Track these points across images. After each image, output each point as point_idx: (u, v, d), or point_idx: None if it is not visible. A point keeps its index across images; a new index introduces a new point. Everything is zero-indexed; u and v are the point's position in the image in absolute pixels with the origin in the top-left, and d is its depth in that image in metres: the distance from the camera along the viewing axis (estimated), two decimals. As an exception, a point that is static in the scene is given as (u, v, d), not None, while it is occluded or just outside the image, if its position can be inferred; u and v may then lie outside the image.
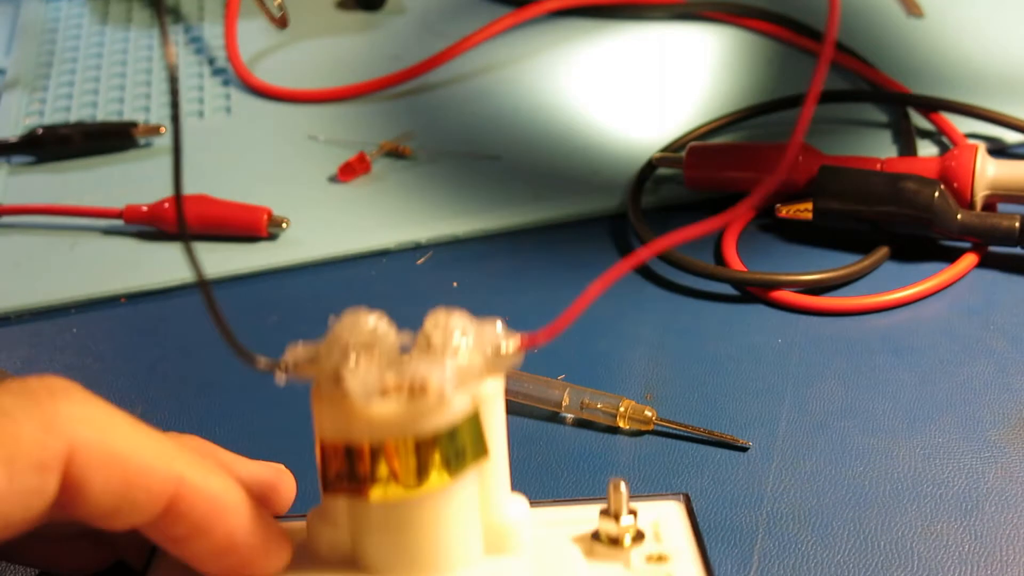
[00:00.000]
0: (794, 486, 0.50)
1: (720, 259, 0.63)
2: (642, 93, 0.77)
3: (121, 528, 0.38)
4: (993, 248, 0.62)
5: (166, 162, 0.74)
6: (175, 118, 0.37)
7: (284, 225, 0.66)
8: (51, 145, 0.76)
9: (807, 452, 0.51)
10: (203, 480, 0.38)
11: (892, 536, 0.47)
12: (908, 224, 0.62)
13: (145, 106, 0.81)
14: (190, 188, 0.68)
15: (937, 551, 0.47)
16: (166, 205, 0.67)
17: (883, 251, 0.62)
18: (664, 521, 0.43)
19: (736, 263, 0.62)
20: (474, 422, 0.39)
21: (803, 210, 0.63)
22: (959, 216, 0.61)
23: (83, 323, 0.63)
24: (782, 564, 0.46)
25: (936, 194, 0.61)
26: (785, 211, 0.64)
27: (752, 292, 0.61)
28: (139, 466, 0.37)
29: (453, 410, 0.38)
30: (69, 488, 0.36)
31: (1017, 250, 0.62)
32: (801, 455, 0.51)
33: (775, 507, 0.49)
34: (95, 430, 0.36)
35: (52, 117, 0.80)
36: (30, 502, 0.35)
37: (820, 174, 0.63)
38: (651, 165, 0.69)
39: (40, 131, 0.76)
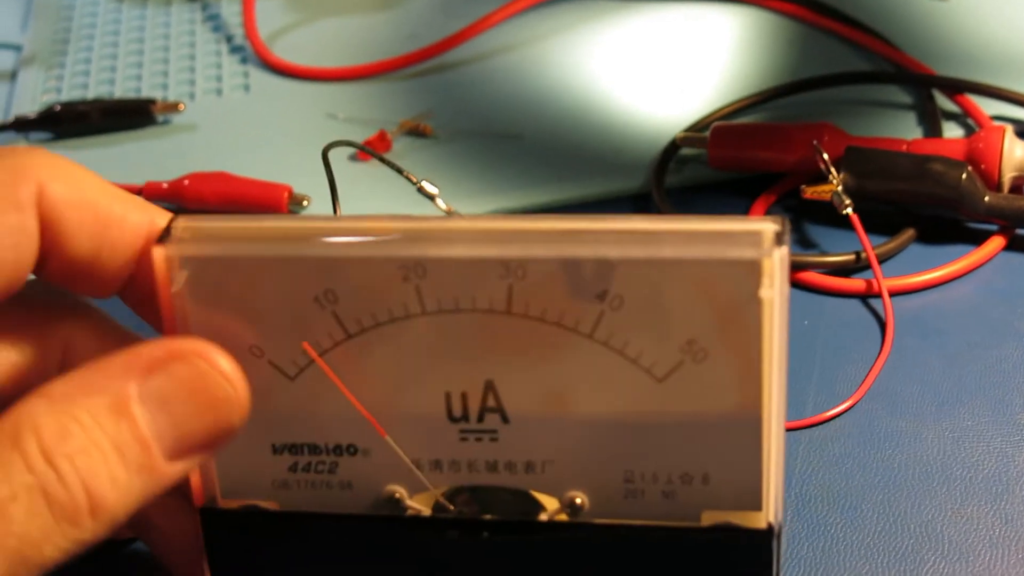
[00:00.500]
0: (822, 468, 0.49)
1: (745, 240, 0.63)
2: (665, 73, 0.77)
3: (105, 288, 0.40)
4: (1020, 230, 0.62)
5: (185, 139, 0.74)
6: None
7: (305, 203, 0.66)
8: (69, 122, 0.75)
9: (835, 434, 0.51)
10: None
11: (922, 519, 0.47)
12: (935, 206, 0.62)
13: (163, 83, 0.80)
14: (209, 166, 0.68)
15: (967, 534, 0.46)
16: (186, 182, 0.67)
17: (909, 233, 0.62)
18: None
19: (761, 244, 0.62)
20: None
21: (828, 191, 0.63)
22: (986, 198, 0.61)
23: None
24: (811, 546, 0.46)
25: (963, 176, 0.61)
26: (810, 192, 0.63)
27: (777, 273, 0.60)
28: (109, 204, 0.39)
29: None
30: (48, 227, 0.38)
31: (1045, 233, 0.61)
32: (829, 437, 0.51)
33: (803, 489, 0.48)
34: (63, 173, 0.39)
35: (69, 94, 0.80)
36: (18, 241, 0.38)
37: (846, 155, 0.63)
38: (675, 145, 0.68)
39: (58, 108, 0.75)
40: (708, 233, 0.37)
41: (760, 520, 0.39)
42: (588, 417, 0.39)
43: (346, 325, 0.39)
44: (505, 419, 0.39)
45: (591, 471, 0.40)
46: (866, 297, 0.59)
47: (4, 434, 0.35)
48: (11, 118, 0.76)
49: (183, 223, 0.39)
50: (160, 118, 0.76)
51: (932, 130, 0.68)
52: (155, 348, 0.37)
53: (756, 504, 0.39)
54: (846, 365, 0.55)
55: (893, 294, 0.59)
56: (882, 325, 0.57)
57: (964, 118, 0.70)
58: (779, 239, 0.36)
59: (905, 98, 0.72)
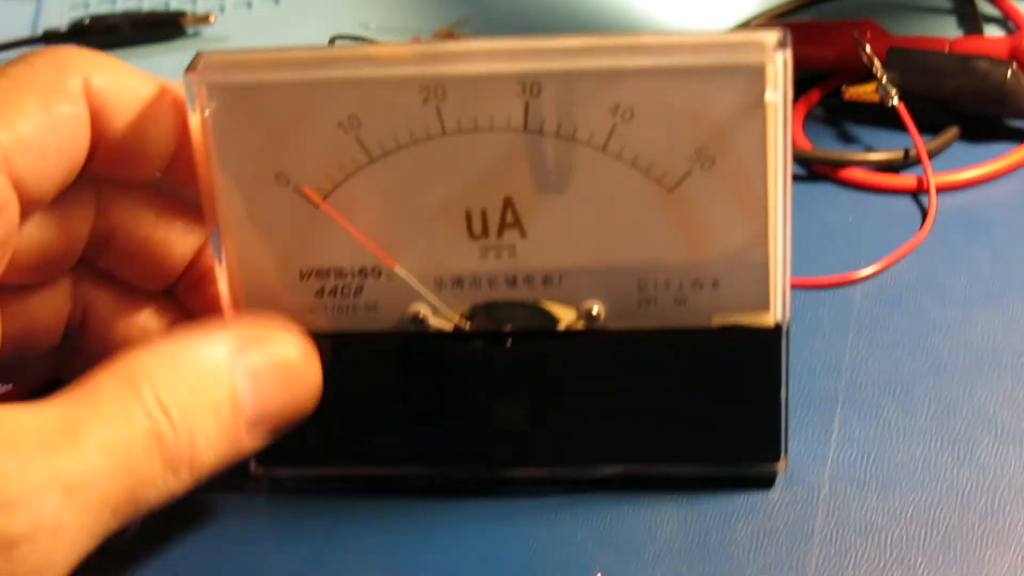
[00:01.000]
0: (872, 356, 0.49)
1: (787, 139, 0.62)
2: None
3: (150, 167, 0.42)
4: (1065, 128, 0.61)
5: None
6: None
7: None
8: (99, 34, 0.75)
9: (884, 324, 0.51)
10: None
11: (974, 403, 0.47)
12: (978, 104, 0.61)
13: (192, -4, 0.80)
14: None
15: (1020, 418, 0.46)
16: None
17: (953, 131, 0.61)
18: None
19: (803, 143, 0.61)
20: None
21: (871, 91, 0.62)
22: (1031, 96, 0.60)
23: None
24: (863, 430, 0.46)
25: (1008, 74, 0.60)
26: (852, 92, 0.62)
27: (819, 171, 0.60)
28: (149, 87, 0.41)
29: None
30: (97, 114, 0.40)
31: (1089, 129, 0.61)
32: (878, 327, 0.51)
33: (854, 376, 0.48)
34: (103, 64, 0.40)
35: (98, 7, 0.79)
36: (74, 129, 0.39)
37: (889, 55, 0.62)
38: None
39: (87, 21, 0.75)
40: (714, 43, 0.38)
41: (768, 320, 0.41)
42: (602, 229, 0.40)
43: (369, 149, 0.40)
44: (523, 234, 0.40)
45: (606, 281, 0.41)
46: (915, 194, 0.58)
47: (121, 380, 0.36)
48: (40, 31, 0.76)
49: (209, 55, 0.40)
50: (190, 30, 0.76)
51: (973, 31, 0.68)
52: (253, 325, 0.39)
53: (764, 305, 0.40)
54: (892, 258, 0.54)
55: (939, 191, 0.58)
56: (923, 215, 0.56)
57: (1004, 21, 0.69)
58: (781, 44, 0.38)
59: (944, 2, 0.71)
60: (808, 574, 0.40)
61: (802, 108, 0.64)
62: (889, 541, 0.41)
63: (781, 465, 0.43)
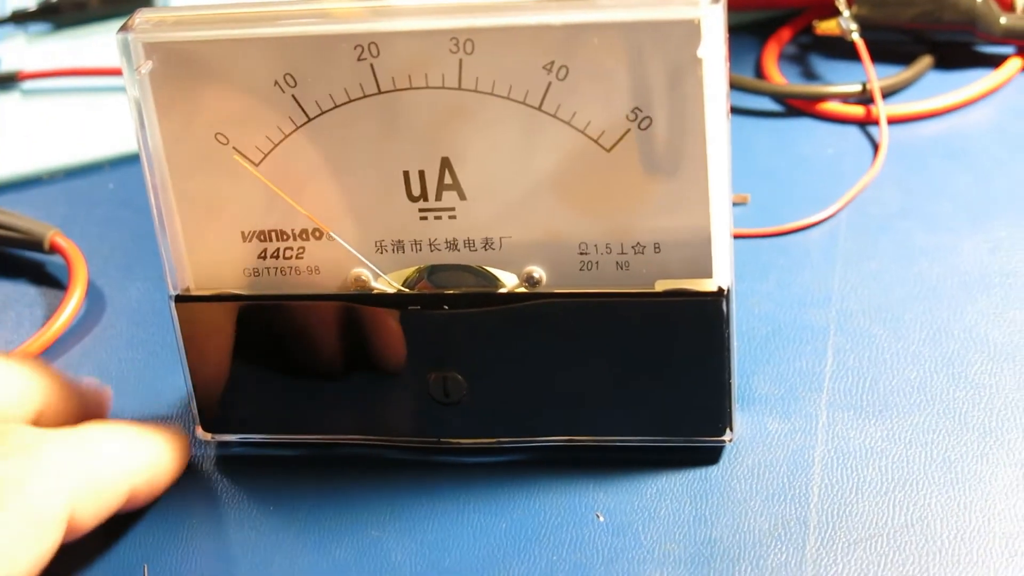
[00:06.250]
0: (861, 285, 0.49)
1: (760, 76, 0.62)
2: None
3: None
4: (1038, 51, 0.61)
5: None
6: None
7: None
8: (68, 11, 0.75)
9: (871, 253, 0.51)
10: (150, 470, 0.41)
11: (965, 324, 0.47)
12: (950, 31, 0.61)
13: (158, -30, 0.79)
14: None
15: (1012, 335, 0.46)
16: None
17: (927, 60, 0.61)
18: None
19: (778, 79, 0.61)
20: None
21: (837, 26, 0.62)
22: (1002, 20, 0.61)
23: (119, 178, 0.63)
24: (857, 356, 0.46)
25: (978, -1, 0.60)
26: (822, 28, 0.62)
27: (796, 106, 0.60)
28: (113, 488, 0.39)
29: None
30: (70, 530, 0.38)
31: (1063, 50, 0.61)
32: (865, 256, 0.51)
33: (844, 305, 0.48)
34: (85, 476, 0.38)
35: (65, -15, 0.79)
36: (47, 551, 0.37)
37: (858, -15, 0.62)
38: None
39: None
40: None
41: (710, 285, 0.40)
42: (542, 191, 0.40)
43: (306, 108, 0.39)
44: (462, 195, 0.40)
45: (547, 245, 0.41)
46: (888, 124, 0.58)
47: None
48: (8, 12, 0.75)
49: (145, 13, 0.39)
50: (158, 2, 0.75)
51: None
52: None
53: (707, 271, 0.40)
54: (874, 187, 0.54)
55: (916, 119, 0.58)
56: (874, 147, 0.56)
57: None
58: None
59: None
60: (811, 502, 0.40)
61: (775, 47, 0.64)
62: (891, 465, 0.41)
63: (727, 438, 0.42)
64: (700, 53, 0.37)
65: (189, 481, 0.43)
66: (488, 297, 0.41)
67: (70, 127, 0.66)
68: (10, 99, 0.69)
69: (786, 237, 0.52)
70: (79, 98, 0.68)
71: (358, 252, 0.41)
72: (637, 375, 0.41)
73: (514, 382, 0.42)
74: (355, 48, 0.38)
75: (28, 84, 0.70)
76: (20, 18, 0.74)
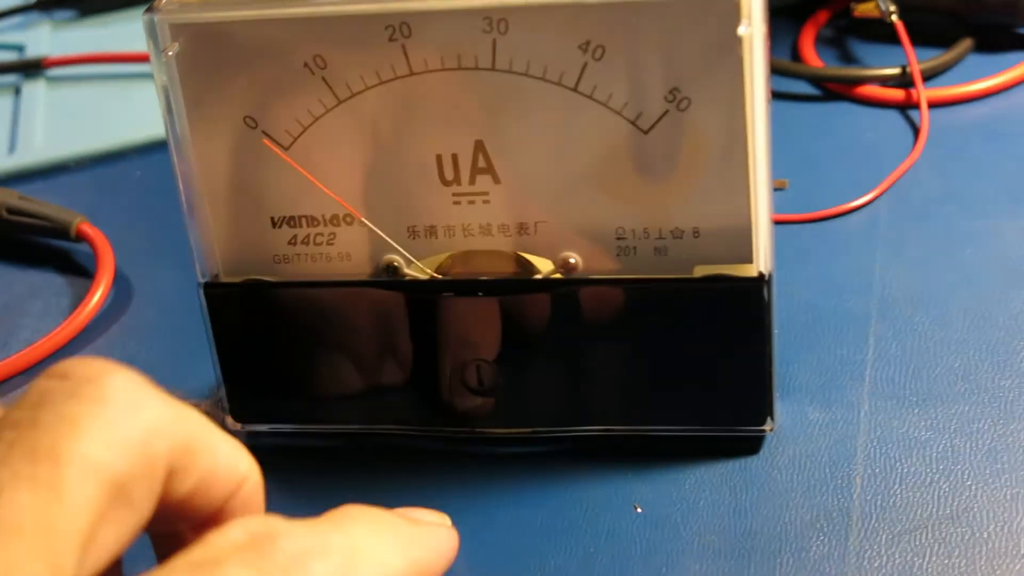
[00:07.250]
0: (903, 272, 0.48)
1: (798, 59, 0.61)
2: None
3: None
4: (1081, 33, 0.60)
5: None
6: None
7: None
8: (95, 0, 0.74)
9: (912, 239, 0.50)
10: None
11: (1010, 312, 0.46)
12: (992, 14, 0.60)
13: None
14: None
15: (1059, 323, 0.45)
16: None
17: (967, 43, 0.60)
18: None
19: (816, 62, 0.60)
20: None
21: (875, 8, 0.61)
22: (1044, 2, 0.59)
23: (146, 166, 0.62)
24: (899, 344, 0.45)
25: (1021, -20, 0.59)
26: (860, 10, 0.61)
27: (834, 90, 0.59)
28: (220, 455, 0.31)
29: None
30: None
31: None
32: (906, 242, 0.50)
33: (885, 292, 0.47)
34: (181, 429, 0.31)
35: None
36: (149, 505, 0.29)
37: (898, -32, 0.61)
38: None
39: (83, -14, 0.74)
40: None
41: (751, 270, 0.39)
42: (577, 174, 0.39)
43: (336, 90, 0.39)
44: (496, 179, 0.39)
45: (583, 230, 0.40)
46: (928, 107, 0.57)
47: None
48: (33, -1, 0.75)
49: None
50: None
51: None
52: None
53: (747, 256, 0.39)
54: (915, 172, 0.53)
55: (956, 103, 0.57)
56: (915, 132, 0.55)
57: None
58: None
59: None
60: (854, 492, 0.40)
61: (811, 31, 0.63)
62: (934, 455, 0.40)
63: (768, 427, 0.41)
64: (741, 31, 0.35)
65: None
66: (523, 283, 0.40)
67: (96, 114, 0.66)
68: (36, 86, 0.68)
69: (825, 223, 0.51)
70: (105, 85, 0.68)
71: (390, 238, 0.40)
72: (675, 363, 0.40)
73: (549, 370, 0.41)
74: (386, 28, 0.37)
75: (54, 71, 0.69)
76: (45, 5, 0.74)
